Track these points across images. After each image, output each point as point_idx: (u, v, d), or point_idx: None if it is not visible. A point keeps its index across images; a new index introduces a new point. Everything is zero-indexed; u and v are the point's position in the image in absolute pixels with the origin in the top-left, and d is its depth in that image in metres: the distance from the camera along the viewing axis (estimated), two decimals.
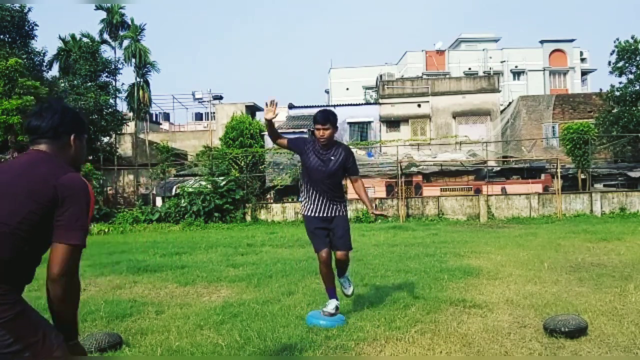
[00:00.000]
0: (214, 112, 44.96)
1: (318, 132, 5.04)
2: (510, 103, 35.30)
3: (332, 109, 33.84)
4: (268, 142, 31.02)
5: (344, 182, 5.75)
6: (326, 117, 5.04)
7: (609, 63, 27.76)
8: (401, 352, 4.05)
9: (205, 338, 4.50)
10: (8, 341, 1.93)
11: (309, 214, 5.20)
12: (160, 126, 53.33)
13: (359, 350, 4.12)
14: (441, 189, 26.98)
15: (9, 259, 2.00)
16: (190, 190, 24.80)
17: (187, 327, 4.87)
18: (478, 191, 25.98)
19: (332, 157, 5.09)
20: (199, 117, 57.62)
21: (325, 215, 5.15)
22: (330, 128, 5.03)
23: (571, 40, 53.17)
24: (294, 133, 30.24)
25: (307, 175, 5.22)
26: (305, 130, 30.24)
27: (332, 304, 5.09)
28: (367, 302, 5.75)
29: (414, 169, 28.30)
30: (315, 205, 5.16)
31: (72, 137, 2.29)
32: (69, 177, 2.11)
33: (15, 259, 2.02)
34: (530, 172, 28.13)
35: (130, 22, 37.35)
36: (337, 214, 5.18)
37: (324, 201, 5.14)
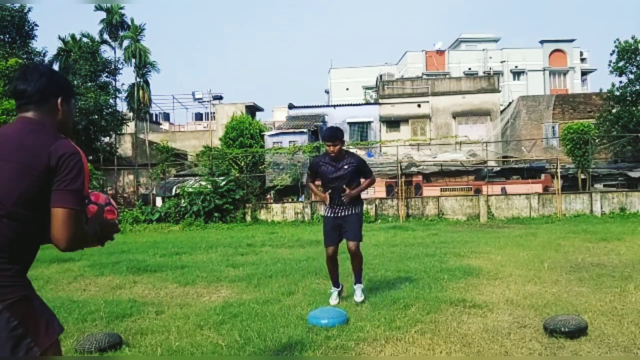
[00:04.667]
0: (213, 112, 44.97)
1: (329, 147, 5.79)
2: (510, 103, 35.31)
3: (332, 109, 33.80)
4: (268, 142, 31.04)
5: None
6: (335, 135, 5.78)
7: (609, 63, 27.78)
8: (401, 352, 4.04)
9: (205, 338, 4.50)
10: (13, 324, 1.90)
11: (326, 214, 5.97)
12: (160, 126, 53.34)
13: (359, 350, 4.12)
14: (441, 189, 26.99)
15: (14, 240, 1.97)
16: (190, 190, 24.81)
17: (187, 327, 4.87)
18: (478, 191, 25.99)
19: (346, 166, 5.82)
20: (199, 117, 57.61)
21: (340, 215, 5.85)
22: (339, 144, 5.77)
23: (571, 40, 53.17)
24: (293, 133, 30.25)
25: (325, 185, 5.95)
26: (305, 130, 30.25)
27: (334, 293, 5.92)
28: (367, 302, 5.75)
29: (414, 169, 28.31)
30: (332, 209, 5.88)
31: (59, 100, 2.20)
32: (60, 144, 2.05)
33: (21, 237, 1.99)
34: (530, 172, 28.14)
35: (130, 23, 37.39)
36: (351, 212, 5.85)
37: (340, 205, 5.84)
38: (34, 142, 2.03)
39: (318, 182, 6.20)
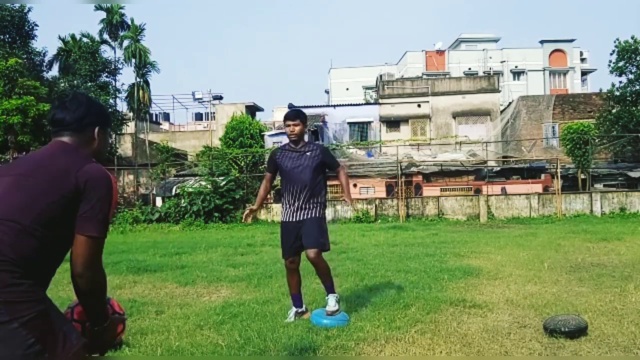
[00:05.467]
0: (213, 112, 44.98)
1: (288, 127, 5.22)
2: (510, 103, 35.33)
3: (332, 109, 33.76)
4: (268, 142, 31.06)
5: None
6: (296, 113, 5.26)
7: (609, 63, 27.76)
8: (401, 352, 4.04)
9: (205, 338, 4.49)
10: (30, 341, 1.85)
11: (284, 219, 5.27)
12: (160, 126, 53.35)
13: (359, 350, 4.12)
14: (441, 189, 27.00)
15: (29, 256, 1.95)
16: (190, 190, 24.82)
17: (187, 327, 4.87)
18: (478, 191, 25.99)
19: (308, 153, 5.20)
20: (198, 117, 57.66)
21: (298, 219, 5.13)
22: (300, 124, 5.20)
23: (571, 41, 53.19)
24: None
25: (284, 179, 5.28)
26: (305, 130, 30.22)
27: (291, 313, 5.23)
28: (367, 302, 5.75)
29: (414, 169, 28.32)
30: (290, 209, 5.18)
31: (96, 130, 2.26)
32: (90, 167, 2.08)
33: (37, 254, 1.97)
34: (530, 172, 28.14)
35: (130, 23, 37.40)
36: (310, 215, 5.11)
37: (299, 204, 5.13)
38: (64, 162, 2.07)
39: (268, 177, 5.52)
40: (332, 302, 5.04)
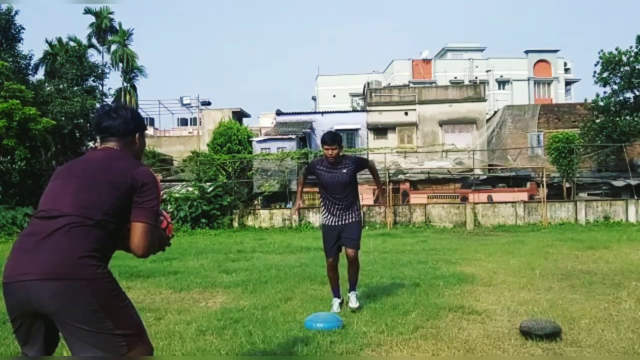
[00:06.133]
0: (199, 118, 44.80)
1: (327, 151, 5.76)
2: (495, 112, 35.64)
3: (319, 116, 33.67)
4: (256, 149, 31.03)
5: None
6: (333, 138, 5.81)
7: (594, 73, 28.13)
8: (407, 357, 4.09)
9: (209, 344, 4.49)
10: (99, 314, 2.19)
11: (326, 223, 5.96)
12: (146, 131, 52.98)
13: (364, 355, 4.15)
14: (428, 196, 27.15)
15: (102, 244, 2.28)
16: (177, 195, 24.71)
17: (190, 333, 4.87)
18: (464, 199, 26.19)
19: (344, 170, 5.80)
20: (183, 122, 57.40)
21: (339, 224, 5.85)
22: (337, 148, 5.76)
23: (555, 51, 53.91)
24: (282, 139, 30.27)
25: (323, 189, 5.95)
26: (293, 136, 30.27)
27: (335, 304, 5.86)
28: (367, 308, 5.80)
29: (401, 176, 28.46)
30: (331, 215, 5.88)
31: (137, 135, 2.61)
32: (143, 169, 2.43)
33: (107, 242, 2.32)
34: (515, 181, 28.42)
35: (118, 27, 37.22)
36: (350, 220, 5.86)
37: (339, 211, 5.84)
38: (120, 166, 2.42)
39: (301, 181, 6.38)
40: (353, 300, 5.84)
